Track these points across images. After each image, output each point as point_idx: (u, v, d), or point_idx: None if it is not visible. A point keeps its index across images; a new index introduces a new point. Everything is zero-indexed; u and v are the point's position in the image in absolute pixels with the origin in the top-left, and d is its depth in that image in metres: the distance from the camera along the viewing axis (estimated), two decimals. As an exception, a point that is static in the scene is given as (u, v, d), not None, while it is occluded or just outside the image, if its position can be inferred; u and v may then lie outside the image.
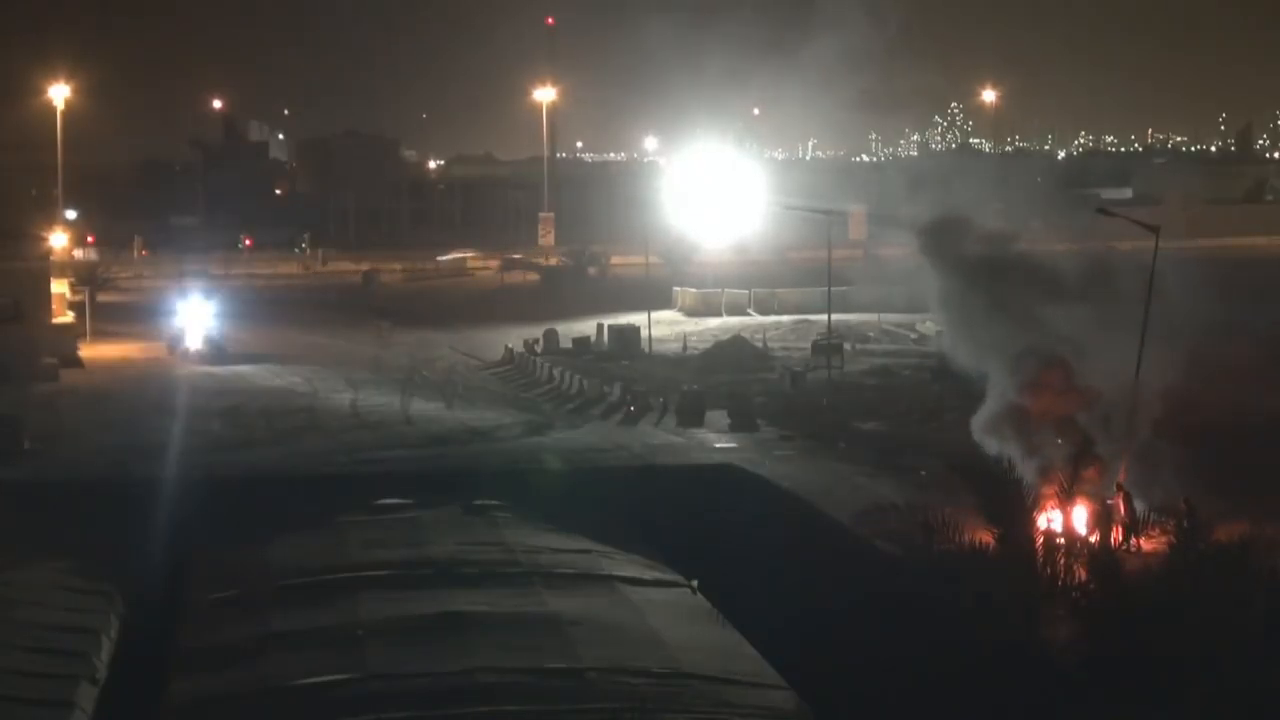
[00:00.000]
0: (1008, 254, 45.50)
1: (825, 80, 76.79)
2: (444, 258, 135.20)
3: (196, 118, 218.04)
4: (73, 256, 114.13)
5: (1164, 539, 27.43)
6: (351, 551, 40.91)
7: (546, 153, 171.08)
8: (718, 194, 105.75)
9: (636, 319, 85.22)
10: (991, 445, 41.76)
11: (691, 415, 60.75)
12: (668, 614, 36.20)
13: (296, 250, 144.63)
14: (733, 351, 78.16)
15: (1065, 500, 30.75)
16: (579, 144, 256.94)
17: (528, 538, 42.37)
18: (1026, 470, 38.72)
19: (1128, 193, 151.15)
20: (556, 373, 72.92)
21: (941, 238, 46.27)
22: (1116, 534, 30.15)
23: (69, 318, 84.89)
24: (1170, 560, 26.34)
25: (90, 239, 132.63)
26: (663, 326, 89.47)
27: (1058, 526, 30.33)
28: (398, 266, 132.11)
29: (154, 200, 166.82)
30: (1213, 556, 25.71)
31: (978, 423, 43.18)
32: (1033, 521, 28.49)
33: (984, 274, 44.62)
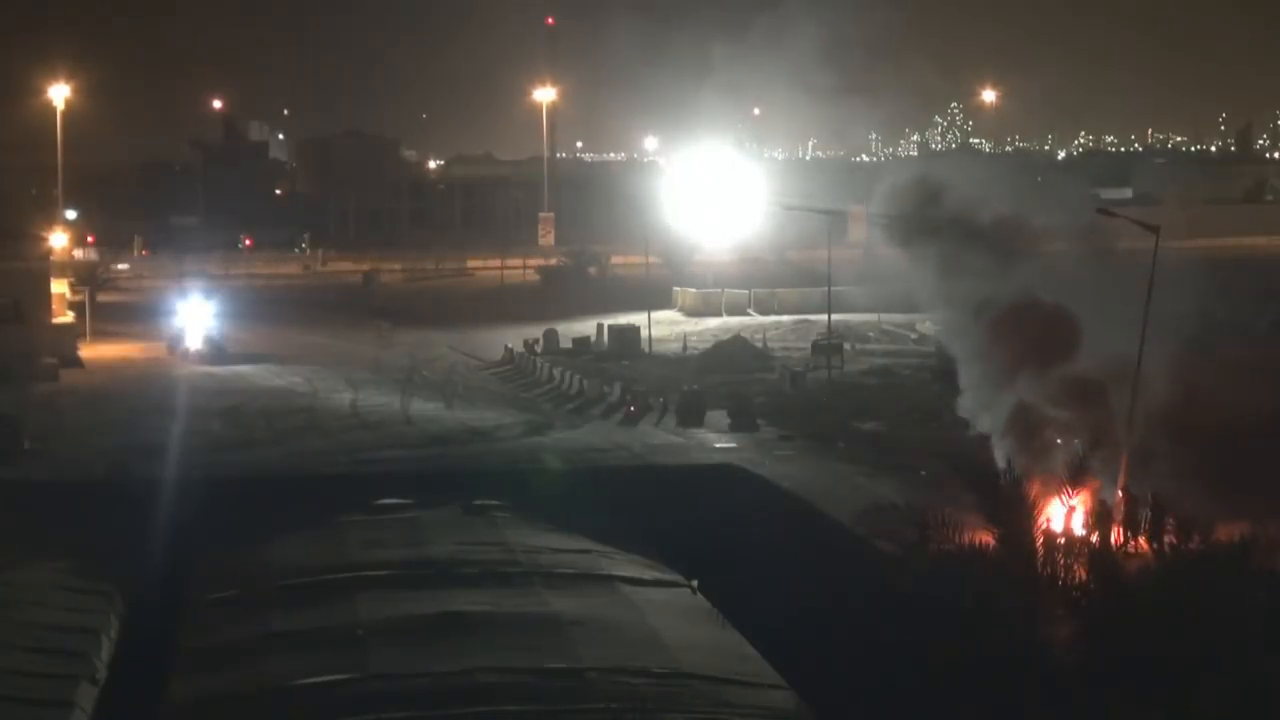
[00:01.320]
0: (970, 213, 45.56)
1: (816, 73, 76.79)
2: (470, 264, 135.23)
3: (196, 118, 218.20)
4: (73, 256, 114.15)
5: (1163, 539, 27.43)
6: (351, 551, 40.92)
7: (546, 153, 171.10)
8: (717, 194, 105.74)
9: (636, 319, 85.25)
10: (982, 421, 41.65)
11: (691, 415, 60.75)
12: (668, 614, 36.22)
13: (296, 250, 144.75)
14: (733, 351, 78.15)
15: (1065, 500, 30.67)
16: (579, 144, 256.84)
17: (528, 538, 42.38)
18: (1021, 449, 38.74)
19: (1128, 193, 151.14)
20: (556, 373, 72.93)
21: (903, 204, 46.36)
22: (1116, 534, 30.11)
23: (69, 318, 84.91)
24: (1162, 559, 26.34)
25: (90, 239, 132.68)
26: (663, 326, 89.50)
27: (1058, 526, 30.29)
28: (398, 266, 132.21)
29: (154, 200, 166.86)
30: (1212, 556, 25.70)
31: (965, 401, 43.12)
32: (1033, 521, 28.45)
33: (947, 235, 44.63)
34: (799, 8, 77.72)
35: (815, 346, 77.49)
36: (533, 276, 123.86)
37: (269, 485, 48.65)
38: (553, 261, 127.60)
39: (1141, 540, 28.57)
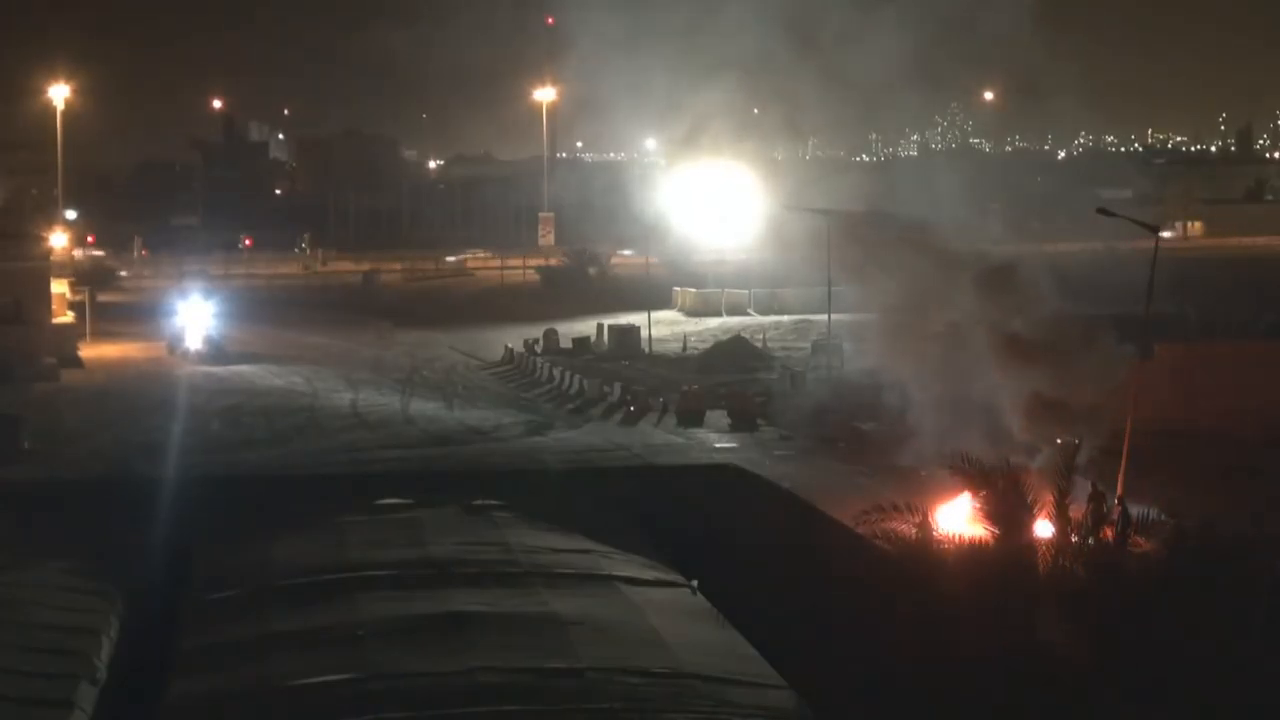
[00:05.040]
0: None
1: (815, 72, 76.92)
2: (451, 258, 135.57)
3: (196, 118, 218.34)
4: (73, 257, 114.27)
5: (1160, 540, 27.46)
6: (351, 551, 40.86)
7: (546, 153, 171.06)
8: (717, 194, 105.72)
9: (636, 319, 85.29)
10: None
11: (691, 415, 60.78)
12: (668, 614, 36.18)
13: (296, 250, 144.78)
14: (733, 351, 78.22)
15: (1062, 501, 30.70)
16: (579, 144, 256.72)
17: (528, 538, 42.33)
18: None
19: (1128, 193, 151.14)
20: (556, 373, 72.96)
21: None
22: (1109, 534, 30.16)
23: (69, 318, 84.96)
24: (1162, 560, 26.38)
25: (90, 239, 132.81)
26: (663, 326, 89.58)
27: (1057, 527, 30.32)
28: (398, 266, 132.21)
29: (154, 200, 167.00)
30: (1212, 556, 25.73)
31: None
32: (1033, 521, 28.49)
33: None
34: (795, 8, 77.77)
35: (815, 346, 77.52)
36: (533, 276, 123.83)
37: (269, 485, 48.63)
38: (553, 261, 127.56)
39: (1141, 540, 28.60)
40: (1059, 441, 39.66)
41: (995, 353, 42.48)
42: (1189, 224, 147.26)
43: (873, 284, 48.06)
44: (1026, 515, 27.99)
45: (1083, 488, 32.61)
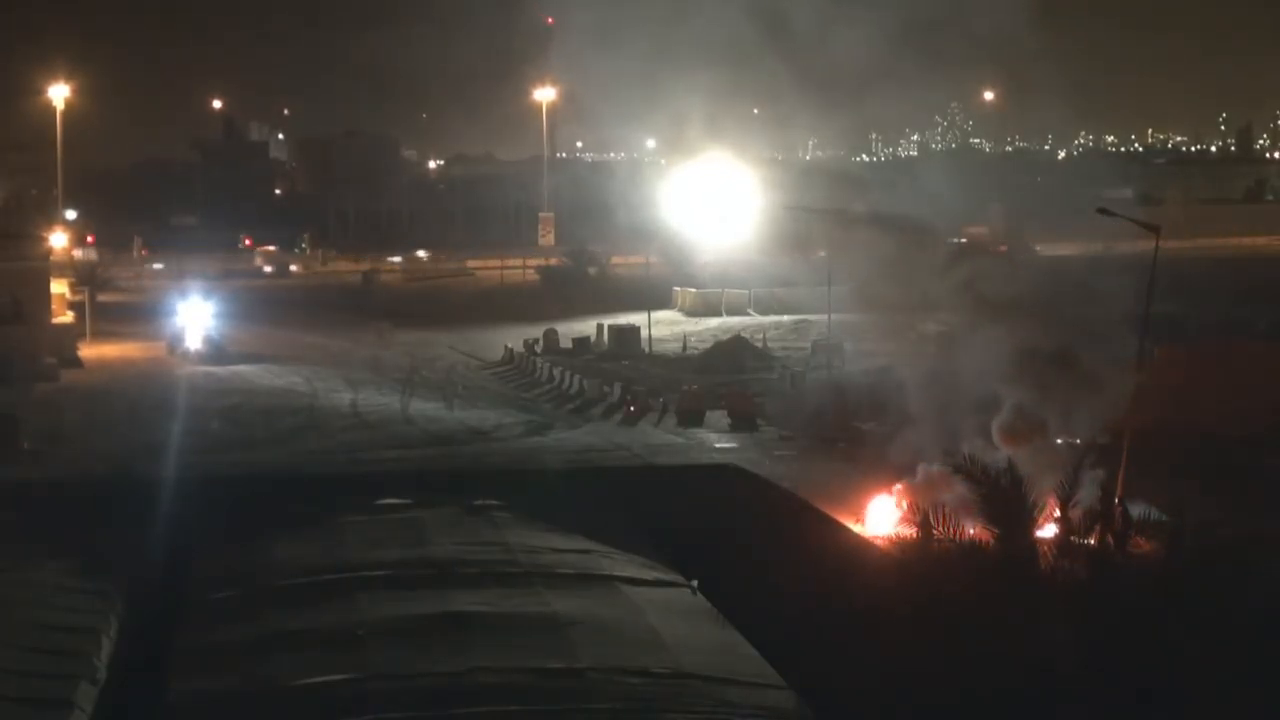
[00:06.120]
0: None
1: (815, 73, 76.91)
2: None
3: (196, 118, 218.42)
4: (72, 257, 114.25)
5: (1160, 540, 27.44)
6: (351, 551, 40.85)
7: (546, 153, 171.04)
8: (718, 194, 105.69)
9: (636, 319, 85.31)
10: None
11: (691, 415, 60.80)
12: (668, 614, 36.17)
13: (296, 250, 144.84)
14: (733, 351, 78.26)
15: (1064, 503, 30.70)
16: (579, 144, 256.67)
17: (528, 538, 42.32)
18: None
19: (1128, 193, 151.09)
20: (556, 373, 72.98)
21: None
22: (1109, 536, 30.13)
23: (69, 318, 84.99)
24: (1163, 561, 26.36)
25: (90, 239, 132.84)
26: (663, 326, 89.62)
27: (1057, 527, 30.31)
28: (398, 266, 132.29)
29: (154, 200, 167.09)
30: (1212, 557, 25.73)
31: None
32: (1033, 521, 28.47)
33: None
34: (794, 8, 77.76)
35: (815, 346, 77.54)
36: (533, 276, 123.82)
37: (269, 485, 48.60)
38: (553, 261, 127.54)
39: (1141, 540, 28.60)
40: (1060, 441, 39.70)
41: (985, 318, 42.61)
42: None
43: (859, 268, 48.23)
44: (1027, 516, 27.97)
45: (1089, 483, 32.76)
